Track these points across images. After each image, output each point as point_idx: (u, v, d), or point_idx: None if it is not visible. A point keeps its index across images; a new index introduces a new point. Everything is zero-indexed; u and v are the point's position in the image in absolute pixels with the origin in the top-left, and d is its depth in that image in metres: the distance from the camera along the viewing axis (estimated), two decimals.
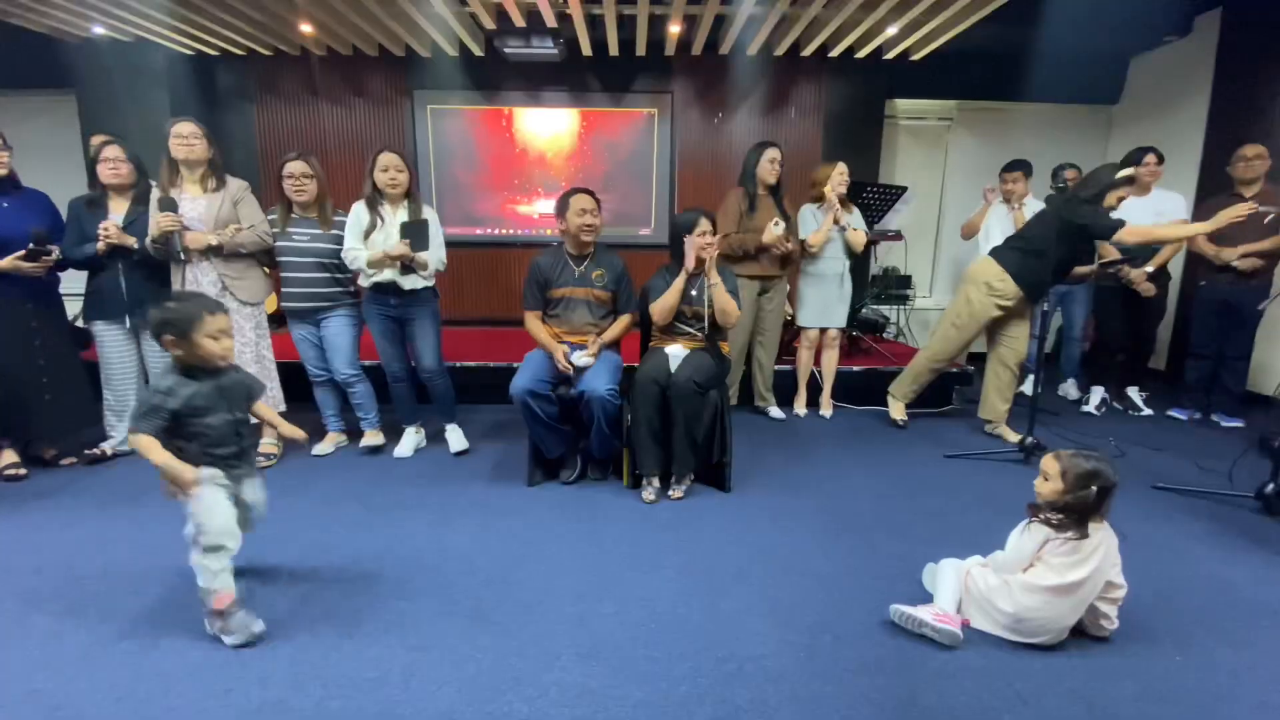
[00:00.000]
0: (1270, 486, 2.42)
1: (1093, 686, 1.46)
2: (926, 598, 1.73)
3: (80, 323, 2.95)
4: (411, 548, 2.09)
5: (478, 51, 4.71)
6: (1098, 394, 4.02)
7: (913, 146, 5.46)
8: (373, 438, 2.97)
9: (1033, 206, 3.95)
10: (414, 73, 4.90)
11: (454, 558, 2.03)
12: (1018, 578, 1.62)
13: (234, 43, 4.60)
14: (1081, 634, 1.64)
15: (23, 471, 2.66)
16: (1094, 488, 1.56)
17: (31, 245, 2.51)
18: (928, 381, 3.48)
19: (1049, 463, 1.64)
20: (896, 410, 3.53)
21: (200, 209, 2.55)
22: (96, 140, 3.14)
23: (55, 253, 2.59)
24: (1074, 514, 1.57)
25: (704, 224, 2.48)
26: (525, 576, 1.91)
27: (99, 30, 4.34)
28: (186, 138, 2.52)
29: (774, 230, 3.18)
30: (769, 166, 3.28)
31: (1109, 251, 3.61)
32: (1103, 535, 1.59)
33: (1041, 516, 1.61)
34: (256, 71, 4.95)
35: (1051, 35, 4.56)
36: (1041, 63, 4.83)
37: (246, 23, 4.20)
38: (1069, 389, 4.28)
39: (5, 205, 2.61)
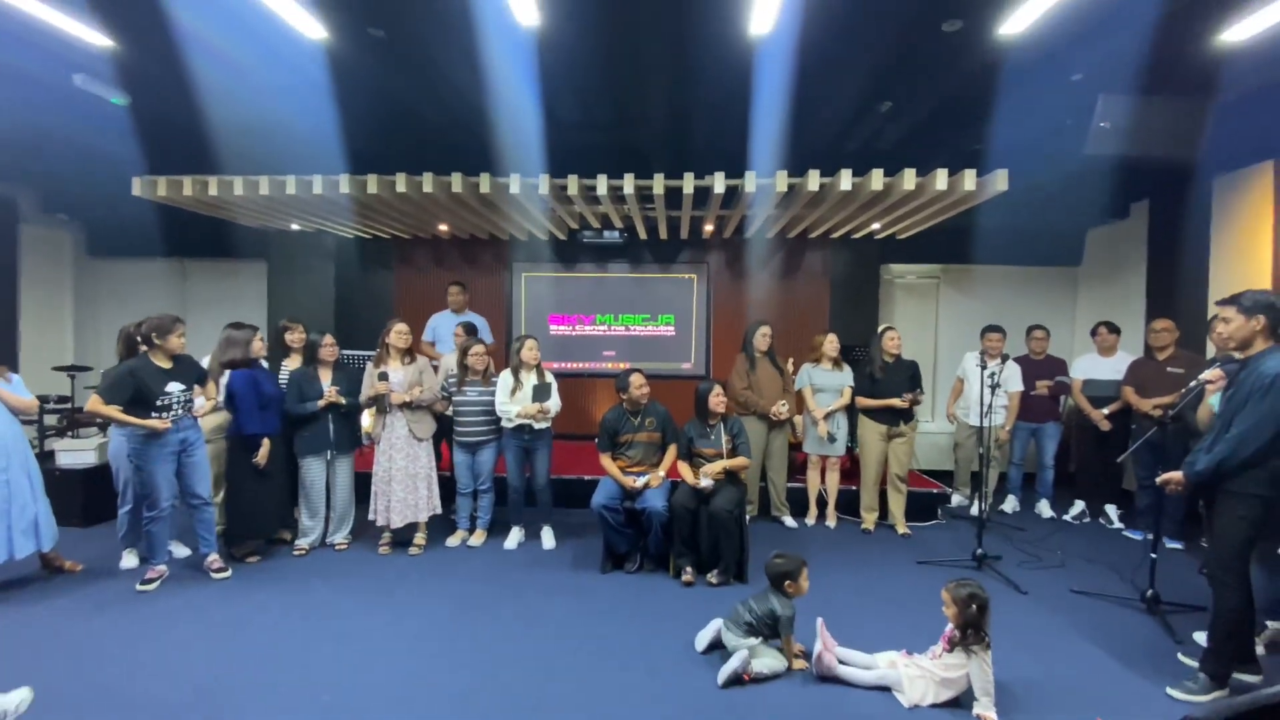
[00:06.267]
0: (1149, 591, 3.26)
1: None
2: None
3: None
4: (528, 607, 3.17)
5: (561, 237, 6.28)
6: (1078, 506, 4.95)
7: (906, 300, 6.64)
8: (479, 537, 4.11)
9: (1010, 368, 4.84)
10: (513, 250, 6.50)
11: (556, 618, 3.09)
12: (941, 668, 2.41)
13: (384, 231, 6.29)
14: None
15: (257, 557, 3.82)
16: (974, 606, 2.29)
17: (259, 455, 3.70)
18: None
19: (944, 595, 2.37)
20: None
21: (400, 377, 3.87)
22: (319, 335, 4.43)
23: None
24: (974, 629, 2.28)
25: (716, 388, 3.69)
26: (608, 631, 2.93)
27: (295, 226, 6.09)
28: (403, 333, 3.91)
29: (779, 409, 4.43)
30: (761, 339, 4.56)
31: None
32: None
33: (970, 647, 2.27)
34: (396, 249, 6.63)
35: (1019, 212, 5.72)
36: (1013, 234, 5.98)
37: (399, 223, 5.86)
38: (1043, 508, 5.09)
39: (262, 372, 3.83)
